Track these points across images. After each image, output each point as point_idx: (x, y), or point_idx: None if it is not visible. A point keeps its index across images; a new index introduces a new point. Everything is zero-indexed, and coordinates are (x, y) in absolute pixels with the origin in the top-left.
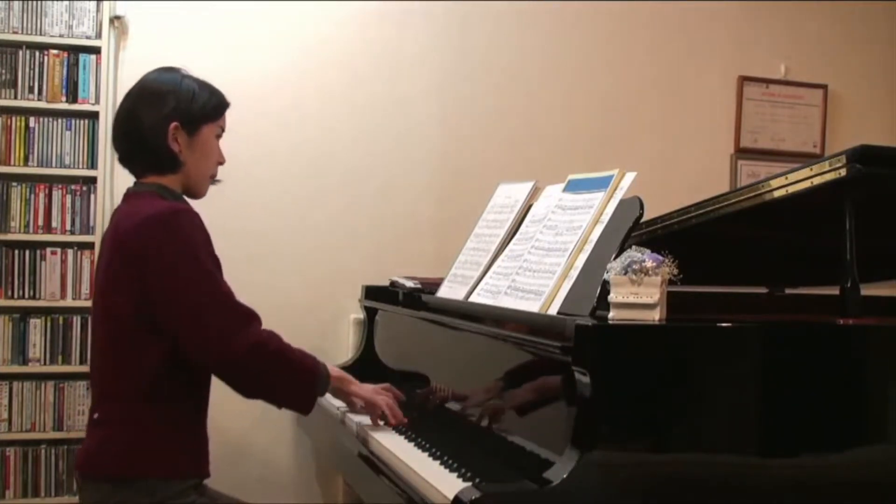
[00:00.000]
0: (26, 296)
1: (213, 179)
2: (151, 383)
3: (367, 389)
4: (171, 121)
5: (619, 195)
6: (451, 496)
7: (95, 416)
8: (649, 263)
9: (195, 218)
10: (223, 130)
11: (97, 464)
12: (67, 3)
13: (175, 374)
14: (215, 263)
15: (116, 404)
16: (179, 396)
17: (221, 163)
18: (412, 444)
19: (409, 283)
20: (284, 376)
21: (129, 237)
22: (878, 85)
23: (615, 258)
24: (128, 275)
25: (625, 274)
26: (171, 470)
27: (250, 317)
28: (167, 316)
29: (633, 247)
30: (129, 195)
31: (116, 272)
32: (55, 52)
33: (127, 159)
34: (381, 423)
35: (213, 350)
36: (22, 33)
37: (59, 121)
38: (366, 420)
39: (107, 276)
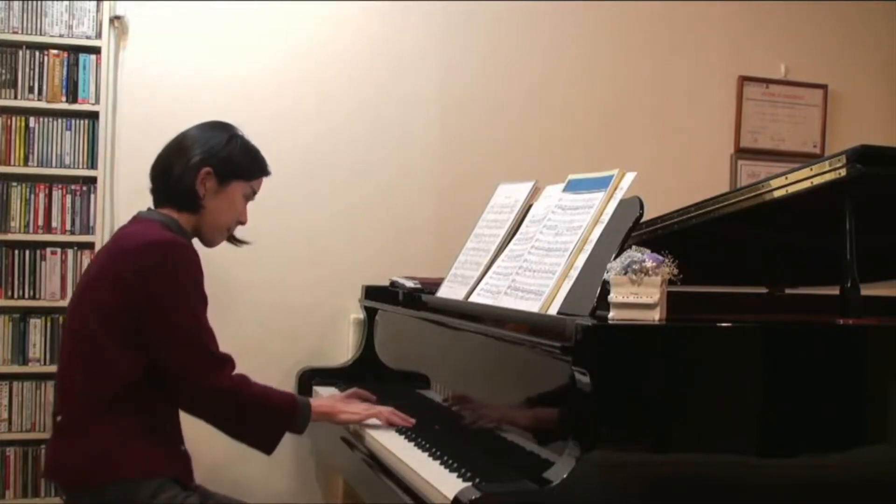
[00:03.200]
0: (26, 296)
1: (229, 234)
2: (122, 387)
3: (359, 411)
4: (206, 165)
5: (619, 195)
6: (451, 496)
7: (59, 419)
8: (649, 263)
9: (192, 254)
10: (254, 194)
11: (67, 473)
12: (67, 3)
13: (144, 383)
14: (202, 301)
15: (80, 408)
16: (148, 403)
17: (242, 222)
18: (412, 444)
19: (409, 283)
20: (248, 421)
21: (125, 257)
22: (878, 85)
23: (615, 258)
24: (113, 293)
25: (625, 274)
26: (144, 469)
27: (223, 361)
28: (146, 340)
29: (633, 247)
30: (139, 218)
31: (103, 287)
32: (55, 52)
33: (156, 190)
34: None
35: (182, 387)
36: (22, 33)
37: (59, 121)
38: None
39: (90, 288)
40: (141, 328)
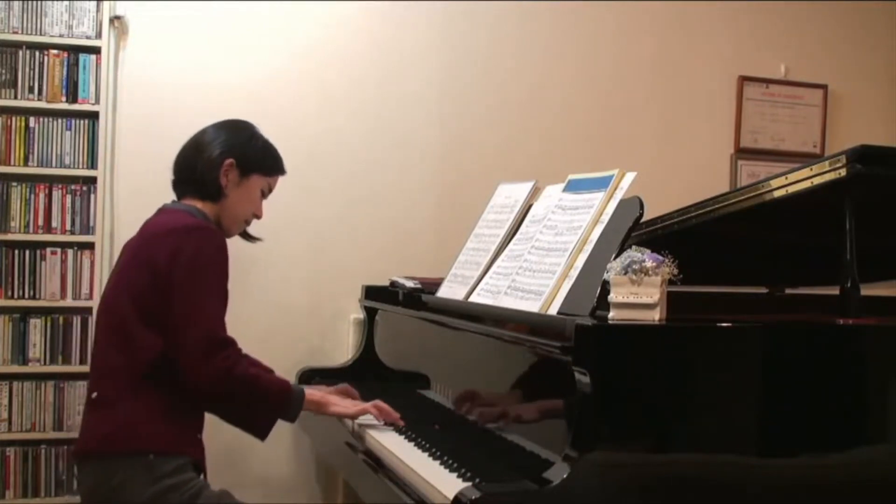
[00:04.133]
0: (26, 296)
1: (245, 225)
2: (149, 366)
3: (348, 406)
4: (229, 157)
5: (619, 195)
6: (451, 496)
7: (94, 395)
8: (649, 263)
9: (220, 240)
10: (270, 191)
11: (95, 442)
12: (67, 3)
13: (168, 364)
14: (219, 286)
15: (113, 383)
16: (175, 384)
17: (258, 216)
18: (412, 444)
19: (409, 283)
20: (239, 404)
21: (156, 241)
22: (878, 85)
23: (615, 258)
24: (145, 275)
25: (625, 274)
26: (167, 445)
27: (221, 345)
28: (160, 315)
29: (633, 247)
30: (164, 209)
31: (136, 270)
32: (55, 52)
33: (178, 182)
34: (381, 422)
35: (179, 367)
36: (22, 33)
37: (59, 121)
38: (365, 420)
39: (124, 273)
40: (163, 308)
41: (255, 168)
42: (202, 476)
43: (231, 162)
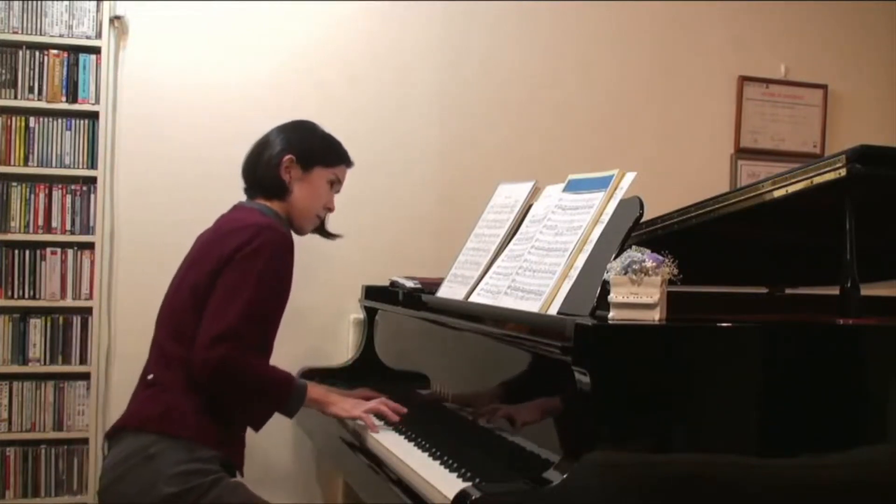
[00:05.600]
0: (26, 296)
1: (319, 221)
2: None
3: (347, 408)
4: (288, 153)
5: (619, 195)
6: (451, 496)
7: (150, 377)
8: (649, 263)
9: (285, 240)
10: (339, 182)
11: (139, 419)
12: (67, 3)
13: None
14: (276, 290)
15: (171, 371)
16: None
17: (330, 209)
18: (412, 444)
19: (409, 283)
20: (243, 395)
21: (227, 237)
22: (878, 85)
23: (615, 258)
24: (205, 264)
25: (625, 274)
26: (207, 439)
27: (238, 335)
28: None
29: (633, 247)
30: (238, 206)
31: (204, 262)
32: (55, 52)
33: (247, 187)
34: (381, 423)
35: (192, 349)
36: (22, 33)
37: (59, 121)
38: None
39: (188, 267)
40: (213, 285)
41: (316, 161)
42: (239, 469)
43: (291, 158)
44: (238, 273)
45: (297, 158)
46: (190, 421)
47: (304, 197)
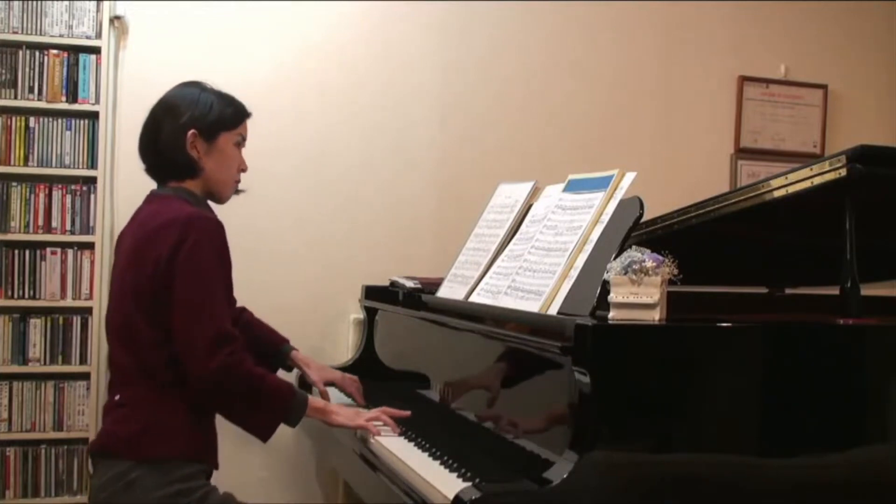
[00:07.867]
0: (26, 296)
1: (237, 185)
2: (166, 370)
3: (351, 417)
4: (189, 129)
5: (619, 195)
6: (451, 496)
7: (117, 398)
8: (649, 263)
9: (213, 227)
10: (243, 139)
11: (114, 444)
12: (67, 3)
13: (179, 364)
14: (218, 276)
15: (134, 389)
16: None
17: (243, 170)
18: (412, 444)
19: (409, 283)
20: (248, 403)
21: (150, 237)
22: (878, 85)
23: (615, 258)
24: (143, 274)
25: (625, 274)
26: (187, 453)
27: (223, 341)
28: (164, 313)
29: (633, 247)
30: (154, 197)
31: (136, 270)
32: (55, 52)
33: (151, 169)
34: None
35: (188, 364)
36: (22, 33)
37: (59, 121)
38: None
39: (123, 273)
40: (166, 305)
41: (217, 127)
42: (213, 470)
43: (194, 132)
44: (188, 281)
45: (199, 132)
46: (165, 439)
47: (217, 168)
